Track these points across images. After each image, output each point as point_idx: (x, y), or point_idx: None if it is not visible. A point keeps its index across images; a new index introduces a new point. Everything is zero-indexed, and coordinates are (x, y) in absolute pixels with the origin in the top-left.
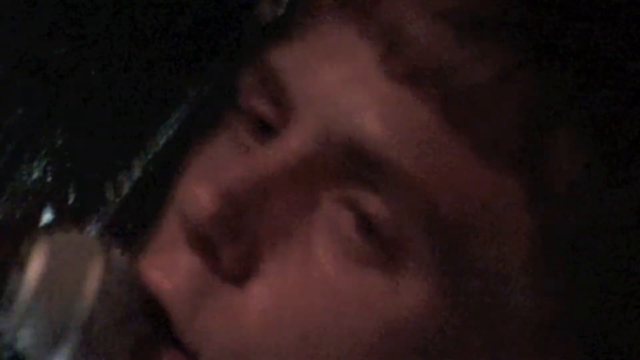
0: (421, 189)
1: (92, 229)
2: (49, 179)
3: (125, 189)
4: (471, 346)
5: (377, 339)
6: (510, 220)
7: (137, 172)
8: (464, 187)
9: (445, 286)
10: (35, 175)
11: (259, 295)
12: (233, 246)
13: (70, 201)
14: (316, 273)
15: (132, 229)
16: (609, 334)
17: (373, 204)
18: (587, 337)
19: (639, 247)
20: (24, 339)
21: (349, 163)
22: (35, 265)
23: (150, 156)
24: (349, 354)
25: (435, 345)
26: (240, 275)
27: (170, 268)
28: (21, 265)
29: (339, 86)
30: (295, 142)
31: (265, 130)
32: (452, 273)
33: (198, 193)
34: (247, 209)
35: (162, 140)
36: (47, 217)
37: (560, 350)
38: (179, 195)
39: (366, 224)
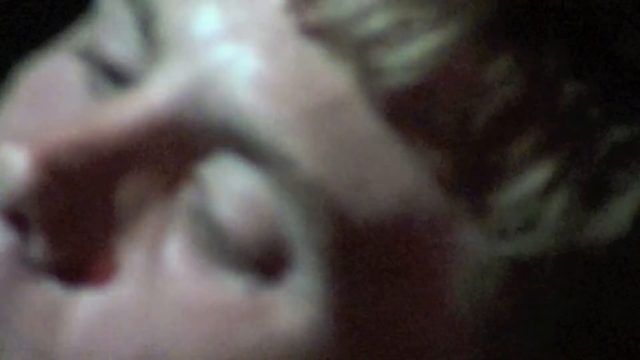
0: (319, 187)
1: None
2: None
3: None
4: None
5: None
6: (451, 247)
7: None
8: (388, 195)
9: (340, 314)
10: None
11: (86, 303)
12: (57, 233)
13: None
14: (164, 281)
15: None
16: None
17: (253, 193)
18: None
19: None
20: None
21: (224, 136)
22: None
23: None
24: None
25: None
26: (65, 268)
27: None
28: None
29: (227, 31)
30: (156, 97)
31: (120, 71)
32: (353, 299)
33: (13, 155)
34: (80, 185)
35: None
36: None
37: None
38: None
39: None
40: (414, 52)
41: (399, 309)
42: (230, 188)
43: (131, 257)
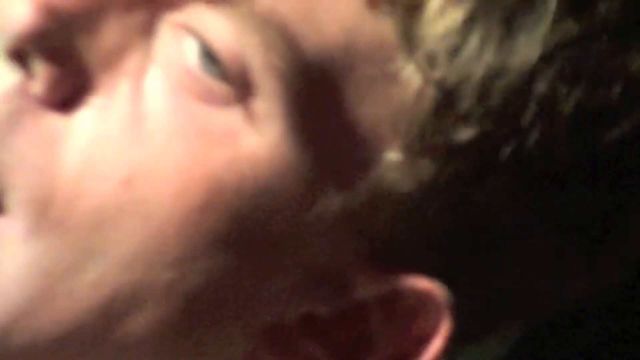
0: (274, 19)
1: None
2: None
3: None
4: (321, 207)
5: (203, 189)
6: (389, 79)
7: None
8: (339, 35)
9: (301, 130)
10: None
11: (81, 129)
12: (55, 68)
13: None
14: (147, 109)
15: None
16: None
17: (219, 32)
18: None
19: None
20: None
21: None
22: None
23: None
24: (174, 204)
25: (272, 205)
26: (62, 102)
27: None
28: None
29: None
30: None
31: None
32: (312, 120)
33: (17, 3)
34: (74, 28)
35: None
36: None
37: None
38: None
39: (208, 54)
40: None
41: (342, 126)
42: (200, 30)
43: (118, 89)
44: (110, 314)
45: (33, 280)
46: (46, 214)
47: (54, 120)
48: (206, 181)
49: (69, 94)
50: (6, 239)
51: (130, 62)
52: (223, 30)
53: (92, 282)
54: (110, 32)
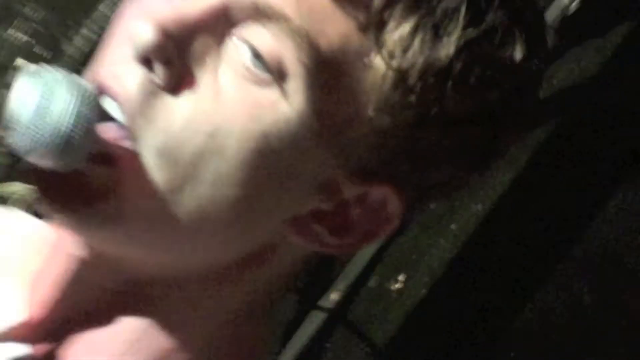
0: (305, 35)
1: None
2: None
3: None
4: (321, 158)
5: (260, 151)
6: (366, 67)
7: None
8: (338, 40)
9: (315, 100)
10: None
11: (184, 103)
12: (167, 66)
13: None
14: (222, 89)
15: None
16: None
17: (263, 41)
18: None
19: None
20: (24, 144)
21: (253, 14)
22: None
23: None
24: (239, 146)
25: (297, 154)
26: (173, 88)
27: (124, 76)
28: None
29: None
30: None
31: None
32: (322, 93)
33: (143, 26)
34: (179, 43)
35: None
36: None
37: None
38: (127, 27)
39: (257, 55)
40: None
41: (339, 96)
42: (251, 41)
43: (204, 78)
44: (200, 208)
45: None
46: (164, 155)
47: (169, 99)
48: (259, 131)
49: (176, 83)
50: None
51: (210, 62)
52: (265, 40)
53: (192, 193)
54: (200, 44)
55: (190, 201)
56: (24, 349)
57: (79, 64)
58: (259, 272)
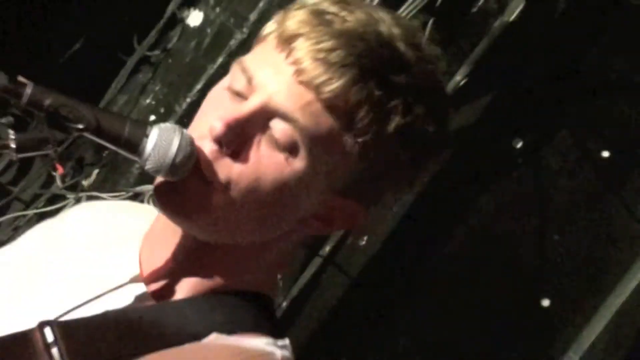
0: (304, 125)
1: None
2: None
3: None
4: (317, 187)
5: (281, 187)
6: (342, 140)
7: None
8: (326, 128)
9: (312, 158)
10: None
11: (241, 167)
12: (230, 145)
13: None
14: (262, 160)
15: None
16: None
17: (282, 130)
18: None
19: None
20: (151, 166)
21: (278, 115)
22: (153, 136)
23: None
24: (277, 188)
25: (303, 187)
26: (233, 156)
27: (204, 144)
28: (147, 136)
29: (274, 80)
30: (255, 102)
31: (242, 95)
32: (317, 156)
33: (217, 123)
34: (236, 131)
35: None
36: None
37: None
38: (204, 121)
39: (275, 142)
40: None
41: (329, 158)
42: (276, 131)
43: (252, 153)
44: (252, 218)
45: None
46: (234, 199)
47: (228, 161)
48: (285, 179)
49: (234, 151)
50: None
51: (256, 143)
52: (283, 130)
53: (247, 211)
54: (249, 130)
55: (247, 213)
56: (143, 288)
57: (185, 119)
58: (284, 245)
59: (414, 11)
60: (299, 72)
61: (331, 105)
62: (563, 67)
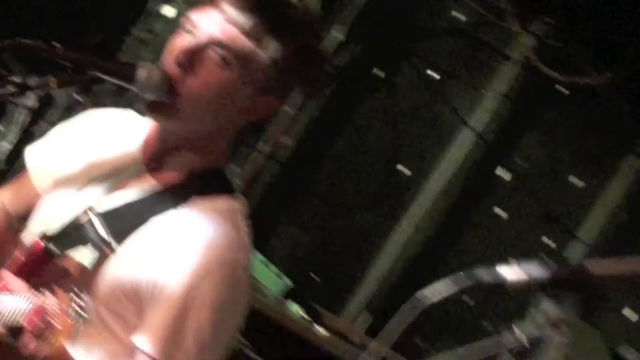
0: (234, 51)
1: None
2: None
3: None
4: (245, 88)
5: (222, 90)
6: (257, 59)
7: None
8: (246, 51)
9: (240, 71)
10: None
11: (195, 79)
12: (186, 66)
13: None
14: (208, 73)
15: None
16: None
17: (221, 53)
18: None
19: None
20: (143, 89)
21: (215, 43)
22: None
23: None
24: (218, 95)
25: (237, 88)
26: (191, 74)
27: (172, 69)
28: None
29: (210, 22)
30: (199, 36)
31: (191, 34)
32: (242, 69)
33: (176, 52)
34: (189, 55)
35: None
36: None
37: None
38: (170, 54)
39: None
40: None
41: (251, 67)
42: (215, 54)
43: (201, 70)
44: (207, 111)
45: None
46: (194, 101)
47: (189, 77)
48: (224, 84)
49: (191, 70)
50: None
51: (202, 60)
52: (220, 53)
53: (203, 108)
54: (197, 55)
55: (204, 110)
56: (142, 167)
57: None
58: (230, 133)
59: None
60: (225, 15)
61: (248, 34)
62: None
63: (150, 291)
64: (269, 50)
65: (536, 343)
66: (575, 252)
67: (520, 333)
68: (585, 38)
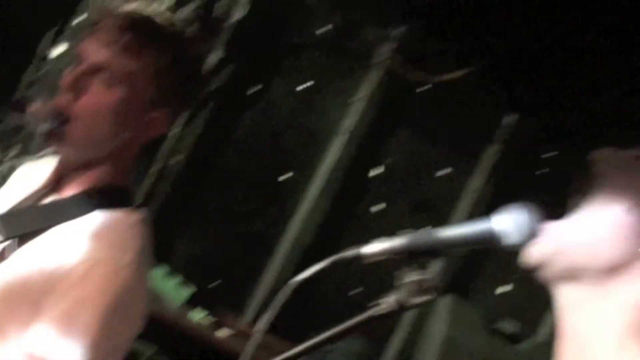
0: (116, 71)
1: None
2: None
3: None
4: (135, 105)
5: (111, 110)
6: (138, 77)
7: None
8: (126, 70)
9: (125, 90)
10: None
11: (85, 102)
12: (77, 90)
13: None
14: (96, 95)
15: None
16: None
17: (105, 76)
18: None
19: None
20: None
21: (99, 67)
22: None
23: None
24: (108, 116)
25: (125, 106)
26: (82, 97)
27: (65, 97)
28: None
29: (93, 49)
30: (85, 63)
31: (79, 61)
32: (127, 87)
33: (67, 78)
34: (78, 80)
35: None
36: None
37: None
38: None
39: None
40: None
41: (135, 84)
42: (100, 77)
43: (90, 92)
44: (100, 135)
45: None
46: (86, 124)
47: (80, 101)
48: (112, 104)
49: (81, 94)
50: None
51: (90, 83)
52: (104, 75)
53: (96, 132)
54: (85, 79)
55: (97, 131)
56: (48, 189)
57: None
58: (130, 153)
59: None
60: (104, 39)
61: (127, 52)
62: None
63: (44, 289)
64: (149, 64)
65: (406, 306)
66: None
67: (392, 299)
68: (441, 38)
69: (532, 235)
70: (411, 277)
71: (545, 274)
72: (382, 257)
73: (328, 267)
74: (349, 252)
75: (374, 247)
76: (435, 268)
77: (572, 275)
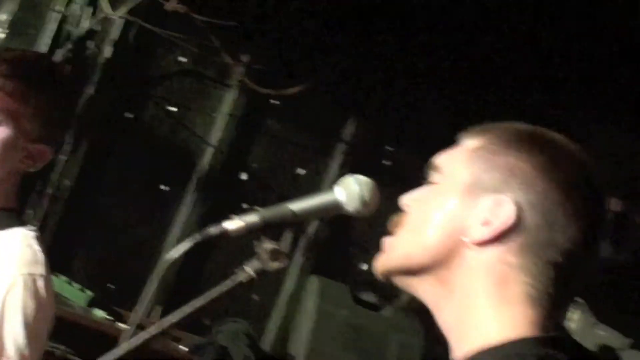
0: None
1: None
2: None
3: None
4: (17, 140)
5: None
6: (17, 115)
7: None
8: (6, 109)
9: (8, 127)
10: None
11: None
12: None
13: None
14: None
15: None
16: None
17: None
18: None
19: None
20: None
21: None
22: None
23: None
24: None
25: (10, 141)
26: None
27: None
28: None
29: None
30: None
31: None
32: (9, 124)
33: None
34: None
35: None
36: None
37: None
38: None
39: None
40: None
41: (17, 121)
42: None
43: None
44: None
45: None
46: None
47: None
48: (4, 138)
49: None
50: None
51: None
52: None
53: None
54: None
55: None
56: None
57: None
58: (14, 179)
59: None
60: None
61: (11, 94)
62: None
63: None
64: (34, 105)
65: (262, 273)
66: None
67: (249, 268)
68: (284, 58)
69: (365, 205)
70: (267, 246)
71: (396, 282)
72: (244, 231)
73: (199, 243)
74: (214, 229)
75: (235, 223)
76: (287, 238)
77: (409, 273)
